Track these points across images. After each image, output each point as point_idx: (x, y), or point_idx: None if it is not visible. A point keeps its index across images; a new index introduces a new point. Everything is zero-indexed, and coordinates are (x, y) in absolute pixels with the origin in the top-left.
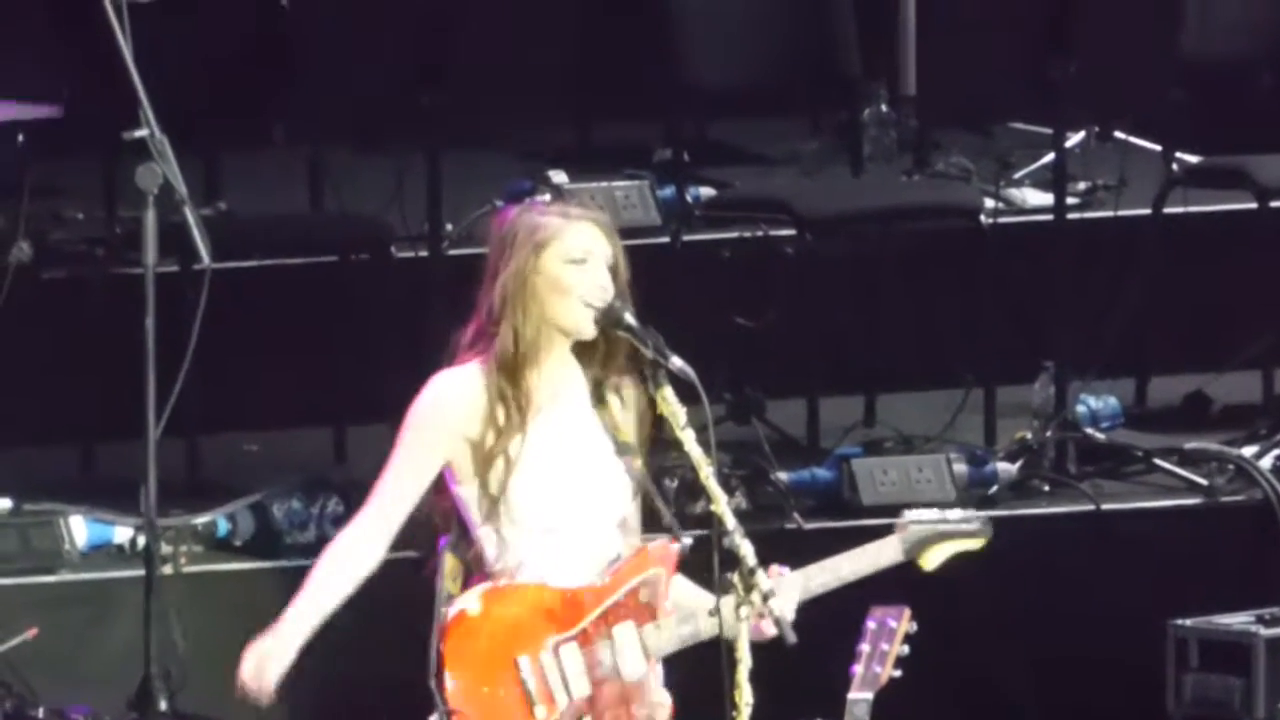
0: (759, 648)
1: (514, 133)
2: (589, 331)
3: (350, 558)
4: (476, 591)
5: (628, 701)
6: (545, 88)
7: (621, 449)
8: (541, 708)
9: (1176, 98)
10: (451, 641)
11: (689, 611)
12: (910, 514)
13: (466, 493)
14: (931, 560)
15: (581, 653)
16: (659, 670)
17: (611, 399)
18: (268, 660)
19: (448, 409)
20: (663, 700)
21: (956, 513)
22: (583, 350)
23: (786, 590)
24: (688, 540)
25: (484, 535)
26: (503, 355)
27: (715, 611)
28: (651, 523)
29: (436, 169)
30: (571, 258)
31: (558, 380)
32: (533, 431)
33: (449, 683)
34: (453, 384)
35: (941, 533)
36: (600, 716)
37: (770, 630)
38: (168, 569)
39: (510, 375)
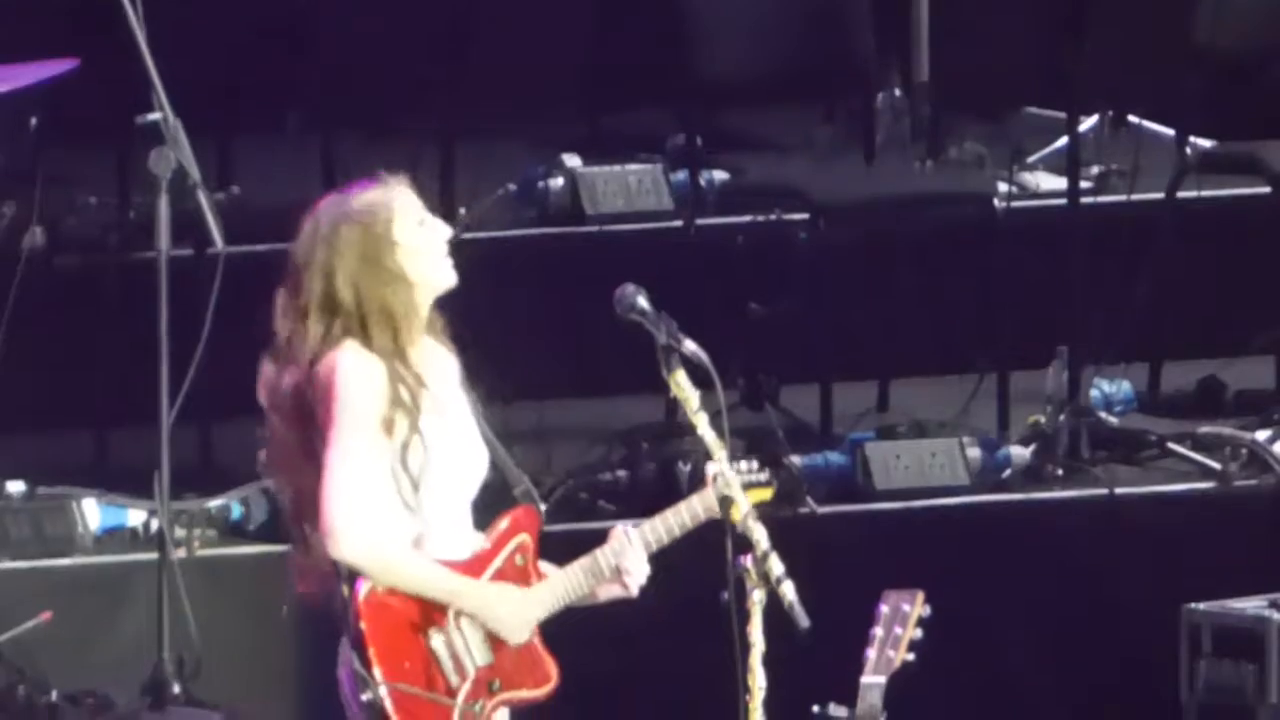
0: (773, 631)
1: (527, 119)
2: (454, 279)
3: (405, 544)
4: None
5: (524, 664)
6: (559, 74)
7: (478, 412)
8: (455, 676)
9: (1191, 83)
10: (368, 620)
11: (564, 573)
12: (712, 466)
13: None
14: (740, 510)
15: (478, 622)
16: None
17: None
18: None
19: (379, 386)
20: (550, 662)
21: (744, 464)
22: None
23: (633, 549)
24: (543, 505)
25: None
26: (383, 344)
27: (728, 596)
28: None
29: (450, 155)
30: (416, 219)
31: (426, 350)
32: (432, 409)
33: (373, 659)
34: (369, 363)
35: (744, 483)
36: (507, 680)
37: (616, 591)
38: (181, 553)
39: (401, 359)
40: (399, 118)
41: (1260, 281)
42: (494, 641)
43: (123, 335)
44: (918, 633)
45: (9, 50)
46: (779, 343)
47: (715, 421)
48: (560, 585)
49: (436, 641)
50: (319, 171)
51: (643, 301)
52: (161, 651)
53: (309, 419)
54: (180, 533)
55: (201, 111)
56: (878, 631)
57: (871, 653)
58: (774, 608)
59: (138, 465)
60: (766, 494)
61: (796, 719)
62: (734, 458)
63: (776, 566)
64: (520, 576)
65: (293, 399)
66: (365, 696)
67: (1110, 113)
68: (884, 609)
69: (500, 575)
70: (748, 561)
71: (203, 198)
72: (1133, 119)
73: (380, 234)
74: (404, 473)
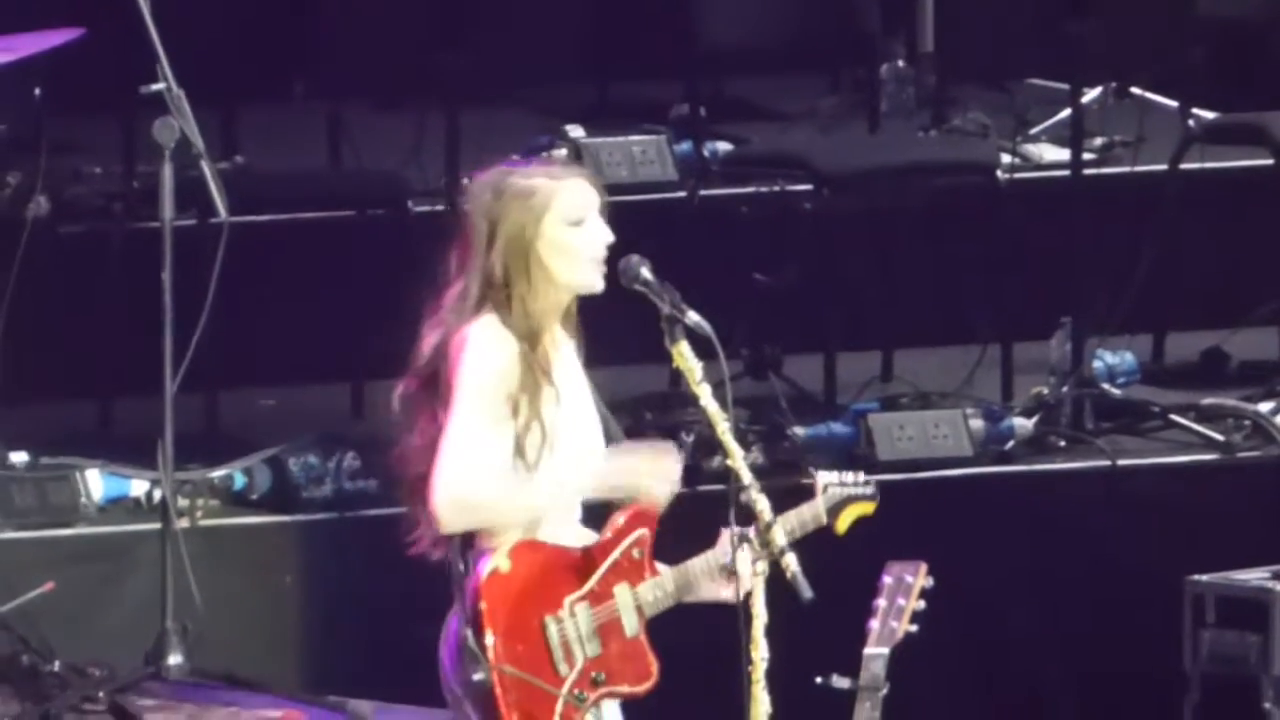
0: (776, 603)
1: (531, 88)
2: (600, 286)
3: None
4: (505, 549)
5: (630, 658)
6: (563, 44)
7: (599, 402)
8: (564, 665)
9: (1195, 54)
10: (487, 600)
11: (676, 571)
12: (822, 476)
13: None
14: (844, 523)
15: (592, 611)
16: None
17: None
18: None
19: (508, 365)
20: (653, 659)
21: (850, 475)
22: None
23: (740, 554)
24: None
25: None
26: (520, 325)
27: (730, 566)
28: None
29: (455, 124)
30: (571, 219)
31: (559, 338)
32: (556, 395)
33: (489, 640)
34: (503, 340)
35: (849, 495)
36: (611, 673)
37: (723, 593)
38: (184, 522)
39: (534, 342)
40: (404, 87)
41: (1264, 252)
42: (604, 634)
43: (126, 304)
44: (920, 604)
45: (14, 19)
46: (782, 313)
47: (718, 392)
48: (672, 582)
49: (551, 628)
50: (324, 141)
51: (646, 272)
52: (165, 621)
53: (434, 381)
54: (183, 502)
55: (206, 80)
56: (880, 603)
57: (874, 624)
58: (777, 579)
59: (141, 434)
60: (870, 508)
61: (799, 690)
62: (839, 468)
63: (779, 537)
64: (636, 570)
65: (427, 359)
66: (477, 676)
67: (1114, 83)
68: (887, 580)
69: (617, 567)
70: (751, 532)
71: (207, 167)
72: (1136, 90)
73: (530, 223)
74: (520, 458)
